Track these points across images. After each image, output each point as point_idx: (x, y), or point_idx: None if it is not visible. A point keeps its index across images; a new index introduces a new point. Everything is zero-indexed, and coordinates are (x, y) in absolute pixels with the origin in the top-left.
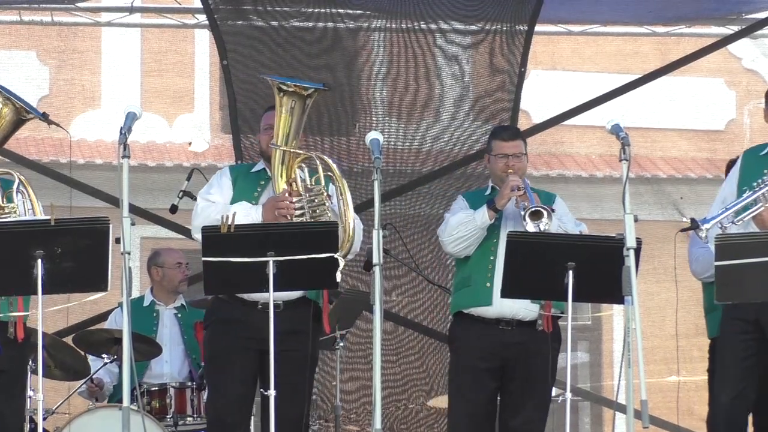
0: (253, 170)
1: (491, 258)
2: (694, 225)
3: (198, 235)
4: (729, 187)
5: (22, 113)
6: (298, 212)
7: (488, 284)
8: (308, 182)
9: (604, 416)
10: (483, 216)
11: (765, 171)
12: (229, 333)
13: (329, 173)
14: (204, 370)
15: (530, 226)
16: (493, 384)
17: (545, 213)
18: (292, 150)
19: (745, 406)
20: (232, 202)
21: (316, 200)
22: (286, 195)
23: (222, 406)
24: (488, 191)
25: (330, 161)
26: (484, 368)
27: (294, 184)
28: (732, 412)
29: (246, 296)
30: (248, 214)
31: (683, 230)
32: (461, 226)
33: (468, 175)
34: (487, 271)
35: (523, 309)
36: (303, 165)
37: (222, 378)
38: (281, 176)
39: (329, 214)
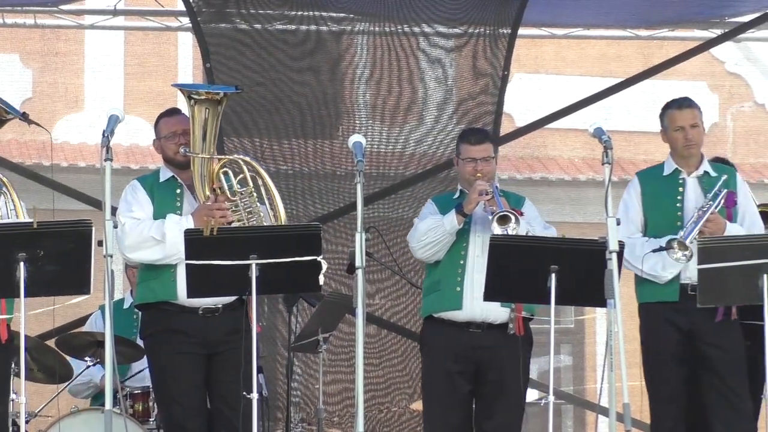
0: (162, 180)
1: (461, 262)
2: (669, 246)
3: (131, 255)
4: (633, 210)
5: (1, 114)
6: (235, 216)
7: (458, 288)
8: (235, 185)
9: (587, 419)
10: (452, 221)
11: (707, 195)
12: (174, 341)
13: (253, 173)
14: (153, 381)
15: (498, 231)
16: (466, 386)
17: (513, 217)
18: (214, 156)
19: (683, 415)
20: (155, 215)
21: (247, 201)
22: (215, 201)
23: (180, 414)
24: (457, 195)
25: (253, 161)
26: (457, 371)
27: (220, 189)
28: (678, 423)
29: (186, 303)
30: (181, 226)
31: (655, 251)
32: (430, 232)
33: (451, 178)
34: (456, 276)
35: (494, 312)
36: (227, 169)
37: (175, 388)
38: (204, 183)
39: (262, 215)
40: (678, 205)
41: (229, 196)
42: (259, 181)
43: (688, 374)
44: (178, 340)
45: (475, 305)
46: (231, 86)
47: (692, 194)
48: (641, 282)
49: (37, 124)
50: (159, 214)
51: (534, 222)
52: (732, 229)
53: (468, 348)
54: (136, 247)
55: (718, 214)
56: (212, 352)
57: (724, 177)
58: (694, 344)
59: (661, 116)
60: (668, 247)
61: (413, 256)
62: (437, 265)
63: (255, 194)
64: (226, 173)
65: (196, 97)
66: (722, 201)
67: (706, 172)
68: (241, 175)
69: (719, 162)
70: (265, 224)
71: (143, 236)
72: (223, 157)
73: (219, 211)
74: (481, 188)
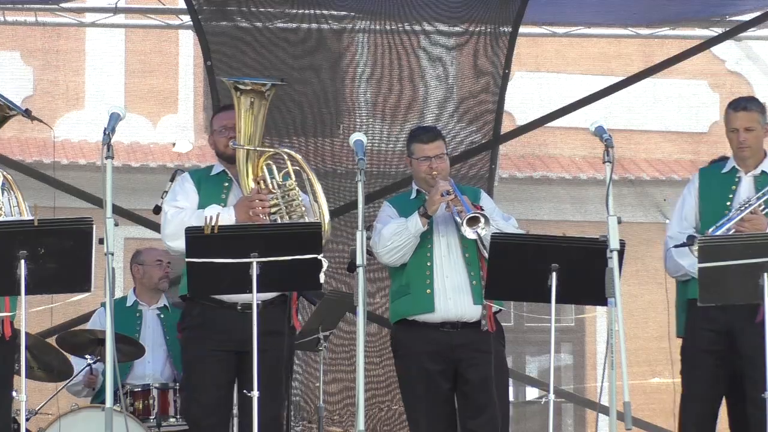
0: (213, 173)
1: (428, 264)
2: (690, 242)
3: (171, 243)
4: (689, 205)
5: (4, 110)
6: (273, 209)
7: (428, 291)
8: (278, 179)
9: (587, 418)
10: (416, 224)
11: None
12: (206, 337)
13: (296, 167)
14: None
15: (469, 233)
16: (446, 385)
17: (483, 219)
18: (257, 148)
19: (714, 412)
20: (200, 207)
21: (288, 196)
22: (257, 193)
23: (198, 412)
24: (413, 195)
25: (297, 155)
26: (436, 371)
27: (263, 182)
28: (703, 421)
29: (225, 297)
30: (221, 216)
31: (677, 246)
32: (395, 236)
33: (451, 176)
34: (425, 278)
35: (468, 311)
36: (270, 162)
37: (198, 383)
38: (248, 175)
39: (303, 209)
40: (728, 203)
41: (271, 188)
42: (304, 176)
43: (722, 372)
44: (210, 337)
45: (449, 305)
46: (276, 78)
47: (745, 192)
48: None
49: (40, 121)
50: (203, 206)
51: (494, 214)
52: None
53: (446, 347)
54: (176, 235)
55: (760, 215)
56: (245, 350)
57: None
58: (733, 343)
59: (724, 112)
60: (689, 243)
61: None
62: (403, 269)
63: (297, 188)
64: (269, 165)
65: (242, 87)
66: None
67: (763, 172)
68: (285, 169)
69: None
70: (306, 218)
71: (183, 224)
72: (267, 149)
73: (260, 202)
74: (443, 188)
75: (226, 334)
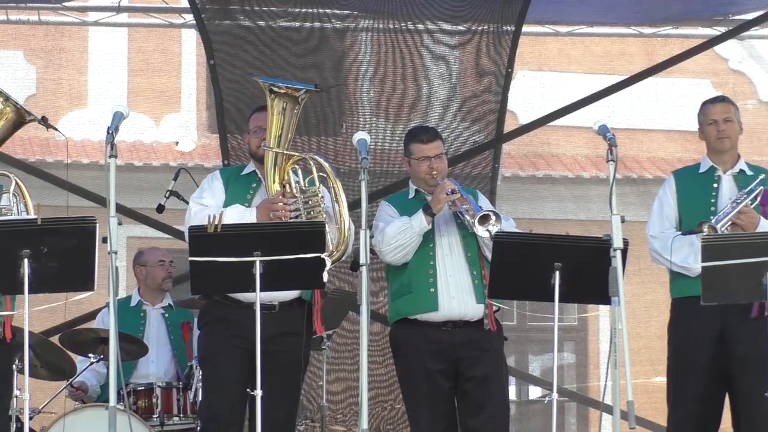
0: (243, 173)
1: (431, 263)
2: (699, 229)
3: None
4: (668, 207)
5: (23, 116)
6: (293, 214)
7: (432, 290)
8: (302, 183)
9: (590, 417)
10: (420, 222)
11: (743, 190)
12: (224, 333)
13: (323, 174)
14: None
15: (481, 231)
16: (447, 384)
17: (493, 216)
18: (285, 152)
19: (715, 412)
20: (225, 205)
21: (311, 201)
22: (281, 197)
23: (216, 406)
24: (411, 194)
25: (324, 162)
26: (437, 369)
27: (288, 185)
28: (702, 422)
29: (242, 298)
30: (243, 216)
31: (684, 233)
32: (399, 235)
33: (455, 176)
34: (428, 277)
35: (471, 310)
36: (296, 166)
37: (216, 378)
38: (274, 178)
39: (324, 216)
40: (712, 200)
41: (294, 192)
42: (329, 183)
43: (717, 373)
44: (226, 333)
45: (453, 304)
46: (311, 84)
47: (727, 191)
48: (675, 276)
49: (55, 129)
50: (228, 205)
51: None
52: (766, 226)
53: (448, 346)
54: None
55: (752, 209)
56: (261, 349)
57: (762, 176)
58: (725, 342)
59: (698, 114)
60: (698, 231)
61: None
62: (405, 268)
63: (320, 194)
64: (295, 170)
65: (276, 90)
66: (759, 198)
67: (741, 171)
68: (311, 176)
69: None
70: (327, 225)
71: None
72: (295, 153)
73: (283, 206)
74: (449, 188)
75: (241, 333)
